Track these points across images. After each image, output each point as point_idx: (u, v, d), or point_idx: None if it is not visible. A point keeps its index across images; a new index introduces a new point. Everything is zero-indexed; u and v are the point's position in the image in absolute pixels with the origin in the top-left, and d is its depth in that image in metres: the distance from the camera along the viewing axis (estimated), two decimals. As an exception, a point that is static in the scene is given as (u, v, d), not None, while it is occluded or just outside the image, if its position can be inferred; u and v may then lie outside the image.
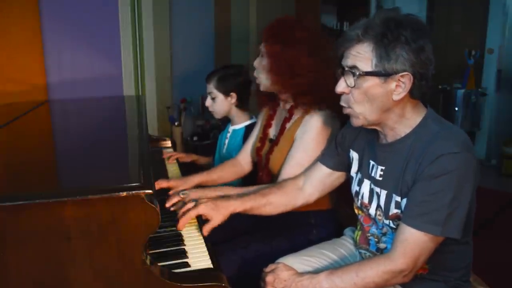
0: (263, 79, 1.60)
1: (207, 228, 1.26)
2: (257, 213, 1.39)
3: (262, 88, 1.62)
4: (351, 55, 1.12)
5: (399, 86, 1.09)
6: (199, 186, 1.67)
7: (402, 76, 1.08)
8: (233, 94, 2.00)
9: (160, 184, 1.57)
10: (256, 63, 1.62)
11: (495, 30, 4.26)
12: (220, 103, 2.02)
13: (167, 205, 1.40)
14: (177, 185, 1.60)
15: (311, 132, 1.52)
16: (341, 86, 1.15)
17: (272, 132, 1.71)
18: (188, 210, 1.28)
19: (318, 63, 1.51)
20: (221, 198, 1.36)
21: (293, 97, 1.57)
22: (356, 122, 1.18)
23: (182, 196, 1.42)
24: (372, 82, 1.10)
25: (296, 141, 1.56)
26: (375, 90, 1.10)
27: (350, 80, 1.12)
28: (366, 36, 1.08)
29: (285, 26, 1.56)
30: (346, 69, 1.13)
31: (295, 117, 1.61)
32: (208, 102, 2.05)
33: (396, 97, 1.10)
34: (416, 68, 1.07)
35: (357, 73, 1.10)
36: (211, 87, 2.02)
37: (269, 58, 1.55)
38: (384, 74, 1.08)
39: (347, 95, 1.16)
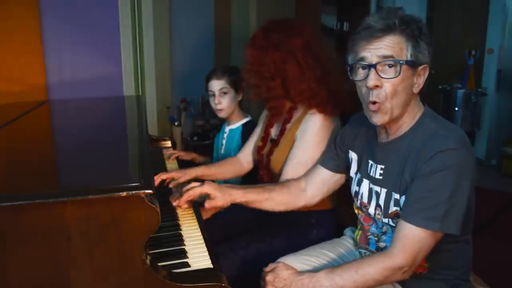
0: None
1: (210, 204, 1.27)
2: (258, 207, 1.39)
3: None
4: (384, 46, 1.09)
5: (420, 78, 1.12)
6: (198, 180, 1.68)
7: (422, 68, 1.11)
8: (240, 91, 2.01)
9: (160, 176, 1.57)
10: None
11: (495, 30, 4.27)
12: (230, 99, 2.00)
13: (171, 198, 1.41)
14: (177, 176, 1.60)
15: (311, 131, 1.52)
16: (373, 80, 1.11)
17: (274, 131, 1.71)
18: (192, 188, 1.29)
19: (302, 66, 1.52)
20: (225, 185, 1.37)
21: (271, 101, 1.61)
22: (383, 119, 1.14)
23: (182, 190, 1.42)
24: (406, 73, 1.10)
25: (296, 141, 1.56)
26: (406, 82, 1.11)
27: (388, 71, 1.09)
28: (401, 26, 1.09)
29: (263, 32, 1.58)
30: (378, 61, 1.09)
31: (295, 117, 1.61)
32: (218, 99, 2.00)
33: (416, 89, 1.13)
34: (431, 61, 1.12)
35: (401, 62, 1.09)
36: (223, 83, 1.99)
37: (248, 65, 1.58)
38: (417, 65, 1.10)
39: (379, 89, 1.11)
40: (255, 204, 1.38)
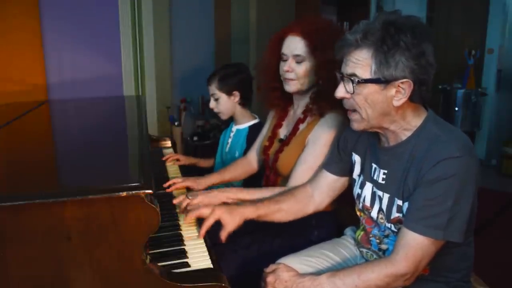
0: (299, 84, 1.53)
1: (224, 234, 1.25)
2: (269, 220, 1.38)
3: (292, 90, 1.55)
4: (350, 62, 1.11)
5: (399, 92, 1.09)
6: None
7: (402, 82, 1.07)
8: (236, 93, 1.98)
9: (177, 184, 1.59)
10: (293, 68, 1.52)
11: (495, 30, 4.27)
12: (224, 104, 2.00)
13: (174, 201, 1.43)
14: (192, 186, 1.62)
15: (324, 137, 1.50)
16: (340, 92, 1.14)
17: (282, 132, 1.69)
18: (207, 219, 1.27)
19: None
20: (235, 205, 1.35)
21: (317, 100, 1.53)
22: (358, 126, 1.17)
23: (189, 198, 1.42)
24: (371, 89, 1.09)
25: (308, 145, 1.53)
26: (375, 96, 1.10)
27: (349, 86, 1.11)
28: (365, 41, 1.07)
29: (327, 30, 1.52)
30: (345, 75, 1.12)
31: (309, 119, 1.58)
32: (212, 104, 2.02)
33: (396, 103, 1.10)
34: (416, 74, 1.06)
35: (356, 80, 1.09)
36: (213, 88, 1.99)
37: (324, 66, 1.46)
38: (383, 81, 1.08)
39: (348, 100, 1.15)
40: (266, 218, 1.36)
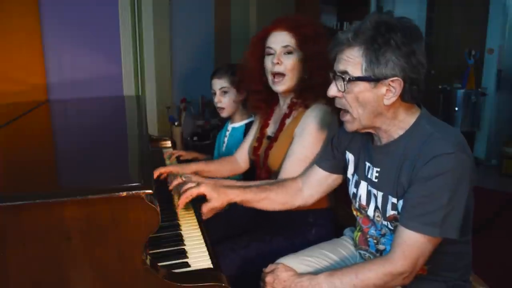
0: (288, 79, 1.55)
1: (206, 207, 1.26)
2: (255, 207, 1.38)
3: (282, 89, 1.57)
4: (342, 60, 1.12)
5: (390, 91, 1.09)
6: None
7: (392, 81, 1.08)
8: (243, 90, 1.99)
9: (159, 170, 1.57)
10: (282, 60, 1.53)
11: (495, 30, 4.27)
12: (231, 98, 2.01)
13: (170, 187, 1.42)
14: (176, 170, 1.61)
15: (310, 127, 1.52)
16: (332, 90, 1.15)
17: (270, 130, 1.71)
18: (190, 189, 1.28)
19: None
20: (222, 184, 1.36)
21: (303, 92, 1.55)
22: (351, 127, 1.18)
23: (183, 179, 1.41)
24: (362, 87, 1.10)
25: (295, 137, 1.55)
26: (366, 95, 1.10)
27: (341, 84, 1.12)
28: (357, 40, 1.08)
29: (311, 25, 1.54)
30: (337, 73, 1.13)
31: (295, 113, 1.60)
32: (218, 98, 2.02)
33: (386, 101, 1.10)
34: (407, 73, 1.07)
35: (347, 78, 1.10)
36: (224, 82, 1.99)
37: (312, 58, 1.50)
38: (373, 79, 1.08)
39: (340, 99, 1.16)
40: (252, 204, 1.37)
